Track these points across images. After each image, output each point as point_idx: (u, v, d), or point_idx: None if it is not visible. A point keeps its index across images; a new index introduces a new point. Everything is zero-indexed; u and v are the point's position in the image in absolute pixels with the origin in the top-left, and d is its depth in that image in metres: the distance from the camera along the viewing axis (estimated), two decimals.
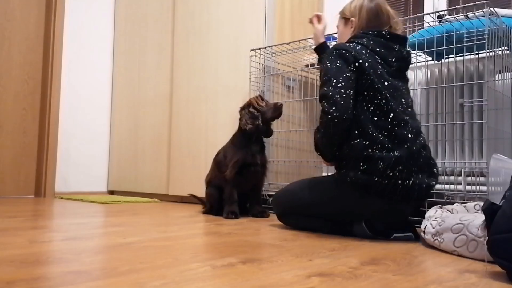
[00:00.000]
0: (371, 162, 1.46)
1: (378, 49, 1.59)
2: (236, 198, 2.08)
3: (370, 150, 1.47)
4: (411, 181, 1.45)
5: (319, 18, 2.12)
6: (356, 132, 1.51)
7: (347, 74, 1.53)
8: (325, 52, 1.62)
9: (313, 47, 2.10)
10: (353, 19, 1.69)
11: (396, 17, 1.70)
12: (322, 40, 2.07)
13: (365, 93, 1.53)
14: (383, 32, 1.62)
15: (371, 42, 1.60)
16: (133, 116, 3.36)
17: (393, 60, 1.61)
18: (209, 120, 2.79)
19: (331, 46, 2.10)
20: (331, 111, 1.48)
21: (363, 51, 1.57)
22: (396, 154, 1.45)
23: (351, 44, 1.59)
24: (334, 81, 1.52)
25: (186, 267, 0.97)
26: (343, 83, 1.51)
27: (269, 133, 2.21)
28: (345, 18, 1.73)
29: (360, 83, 1.54)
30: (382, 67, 1.58)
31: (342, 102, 1.49)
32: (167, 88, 3.11)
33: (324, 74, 1.57)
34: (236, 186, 2.08)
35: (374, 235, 1.52)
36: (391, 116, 1.50)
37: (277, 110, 2.13)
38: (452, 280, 0.93)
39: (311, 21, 2.11)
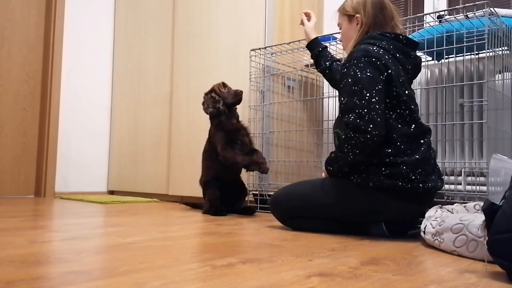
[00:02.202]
0: (395, 167, 1.45)
1: (398, 55, 1.55)
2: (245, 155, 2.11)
3: (393, 157, 1.46)
4: (429, 184, 1.47)
5: (308, 15, 2.11)
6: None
7: (380, 87, 1.46)
8: (353, 57, 1.52)
9: (305, 44, 2.11)
10: (358, 15, 1.62)
11: (396, 12, 1.65)
12: (313, 36, 2.07)
13: (388, 100, 1.50)
14: (400, 36, 1.57)
15: (391, 47, 1.54)
16: (133, 116, 3.36)
17: (410, 67, 1.60)
18: (209, 120, 2.78)
19: (326, 45, 2.12)
20: (369, 129, 1.42)
21: (386, 57, 1.51)
22: (417, 157, 1.47)
23: (375, 48, 1.51)
24: (368, 94, 1.44)
25: (186, 267, 0.97)
26: (377, 98, 1.44)
27: (235, 116, 2.26)
28: (348, 15, 1.66)
29: (388, 88, 1.49)
30: (403, 74, 1.55)
31: (379, 120, 1.43)
32: (167, 88, 3.11)
33: (353, 83, 1.48)
34: (233, 151, 2.10)
35: (391, 235, 1.53)
36: (413, 127, 1.51)
37: (237, 96, 2.22)
38: (452, 280, 0.93)
39: (301, 22, 2.12)
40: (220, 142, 2.13)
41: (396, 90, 1.50)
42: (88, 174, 3.43)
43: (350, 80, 1.49)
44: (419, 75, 2.13)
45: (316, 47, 2.05)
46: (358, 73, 1.48)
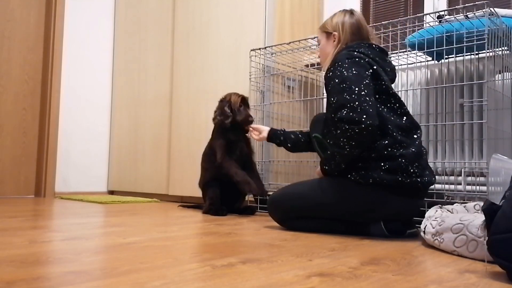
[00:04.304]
0: (393, 160, 1.48)
1: (377, 59, 1.63)
2: (241, 170, 2.12)
3: (390, 149, 1.49)
4: (425, 179, 1.51)
5: (256, 130, 2.13)
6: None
7: (367, 81, 1.52)
8: (336, 61, 1.59)
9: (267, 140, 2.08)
10: (335, 33, 1.71)
11: (372, 33, 1.78)
12: (267, 133, 2.07)
13: (377, 96, 1.55)
14: (373, 45, 1.67)
15: (369, 52, 1.62)
16: (133, 116, 3.36)
17: (388, 69, 1.68)
18: (209, 120, 2.77)
19: (281, 129, 2.10)
20: (363, 119, 1.44)
21: (366, 59, 1.58)
22: (413, 150, 1.51)
23: (355, 53, 1.58)
24: (356, 89, 1.48)
25: (186, 267, 0.97)
26: (366, 91, 1.49)
27: (244, 129, 2.22)
28: (326, 32, 1.76)
29: (375, 83, 1.56)
30: (384, 74, 1.63)
31: (371, 110, 1.46)
32: (167, 88, 3.11)
33: (340, 81, 1.52)
34: (230, 160, 2.12)
35: (390, 234, 1.54)
36: (404, 119, 1.57)
37: (246, 122, 2.15)
38: (452, 280, 0.93)
39: (253, 136, 2.14)
40: (220, 150, 2.14)
41: (385, 84, 1.57)
42: (88, 174, 3.43)
43: (337, 80, 1.54)
44: (419, 75, 2.15)
45: (276, 137, 2.03)
46: (344, 72, 1.53)
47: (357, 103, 1.46)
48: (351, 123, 1.45)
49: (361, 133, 1.45)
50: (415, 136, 1.57)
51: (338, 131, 1.50)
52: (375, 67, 1.57)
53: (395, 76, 1.75)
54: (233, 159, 2.13)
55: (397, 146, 1.49)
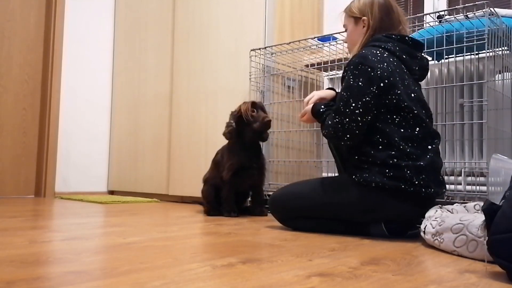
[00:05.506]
0: (398, 170, 1.45)
1: (404, 57, 1.55)
2: (233, 197, 2.14)
3: (396, 160, 1.45)
4: (431, 189, 1.46)
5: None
6: (382, 144, 1.47)
7: (367, 98, 1.46)
8: (350, 64, 1.52)
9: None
10: (364, 18, 1.60)
11: (403, 16, 1.65)
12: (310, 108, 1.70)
13: (387, 108, 1.49)
14: (406, 37, 1.57)
15: (397, 48, 1.54)
16: (133, 116, 3.36)
17: (417, 68, 1.59)
18: (209, 120, 2.79)
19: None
20: (344, 138, 1.50)
21: (390, 59, 1.50)
22: (421, 163, 1.45)
23: (378, 52, 1.50)
24: (353, 105, 1.46)
25: (186, 267, 0.97)
26: (361, 110, 1.46)
27: (263, 138, 2.18)
28: (354, 17, 1.64)
29: (385, 98, 1.48)
30: (408, 76, 1.54)
31: (357, 132, 1.47)
32: (167, 88, 3.11)
33: (344, 88, 1.50)
34: (232, 186, 2.13)
35: (390, 235, 1.53)
36: (417, 130, 1.49)
37: (263, 125, 2.04)
38: (452, 280, 0.92)
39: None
40: (228, 170, 2.09)
41: (396, 98, 1.48)
42: (88, 174, 3.43)
43: (344, 84, 1.54)
44: None
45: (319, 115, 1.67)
46: (351, 79, 1.49)
47: (347, 119, 1.47)
48: (335, 133, 1.51)
49: (337, 143, 1.56)
50: (430, 146, 1.49)
51: (332, 121, 1.52)
52: (386, 80, 1.46)
53: (425, 74, 1.65)
54: (239, 182, 2.12)
55: (404, 158, 1.45)
